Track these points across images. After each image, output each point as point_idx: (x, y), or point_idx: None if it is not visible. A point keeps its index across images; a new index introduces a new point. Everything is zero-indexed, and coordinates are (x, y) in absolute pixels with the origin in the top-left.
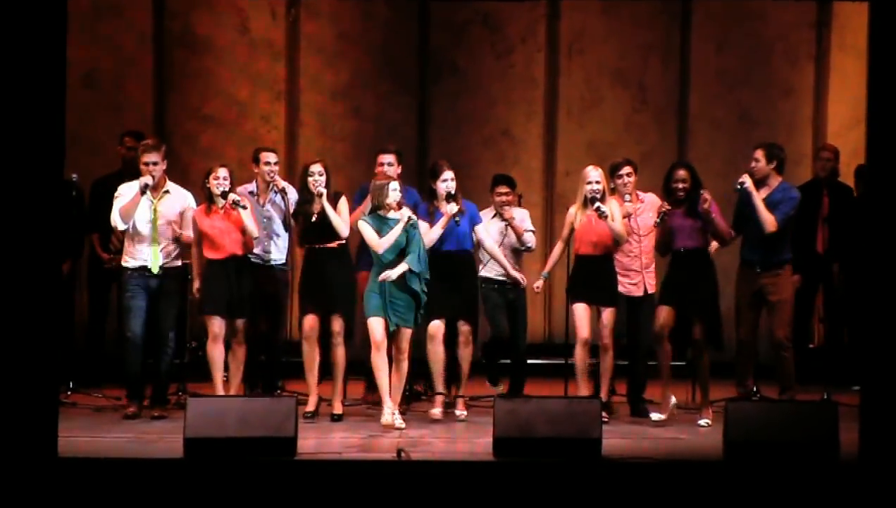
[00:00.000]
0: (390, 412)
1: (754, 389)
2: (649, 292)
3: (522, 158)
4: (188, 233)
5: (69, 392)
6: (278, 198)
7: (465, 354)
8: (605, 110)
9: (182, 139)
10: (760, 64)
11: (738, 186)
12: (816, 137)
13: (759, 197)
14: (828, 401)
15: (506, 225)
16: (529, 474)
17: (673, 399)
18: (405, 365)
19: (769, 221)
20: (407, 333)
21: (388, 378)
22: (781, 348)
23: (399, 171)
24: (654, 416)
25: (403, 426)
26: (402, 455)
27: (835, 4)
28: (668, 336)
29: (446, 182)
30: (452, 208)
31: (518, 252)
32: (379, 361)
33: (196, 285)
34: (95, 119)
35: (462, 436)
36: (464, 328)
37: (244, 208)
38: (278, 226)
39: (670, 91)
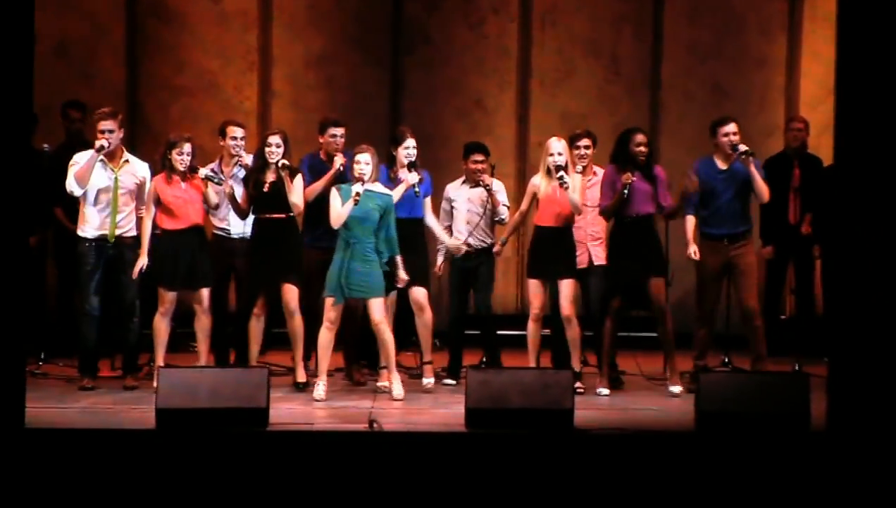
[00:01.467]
0: (324, 388)
1: (725, 360)
2: (595, 263)
3: (495, 129)
4: (144, 205)
5: (40, 363)
6: (242, 173)
7: (424, 320)
8: (578, 81)
9: (154, 109)
10: (733, 35)
11: (745, 153)
12: (789, 108)
13: (754, 168)
14: (799, 372)
15: (486, 189)
16: (502, 445)
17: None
18: (386, 336)
19: (766, 191)
20: (375, 303)
21: (328, 356)
22: (754, 317)
23: (342, 142)
24: (601, 391)
25: (402, 395)
26: (374, 425)
27: None
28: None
29: (408, 150)
30: (413, 176)
31: (491, 222)
32: (325, 338)
33: (143, 259)
34: (67, 89)
35: (434, 407)
36: (416, 295)
37: (219, 183)
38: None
39: (643, 62)
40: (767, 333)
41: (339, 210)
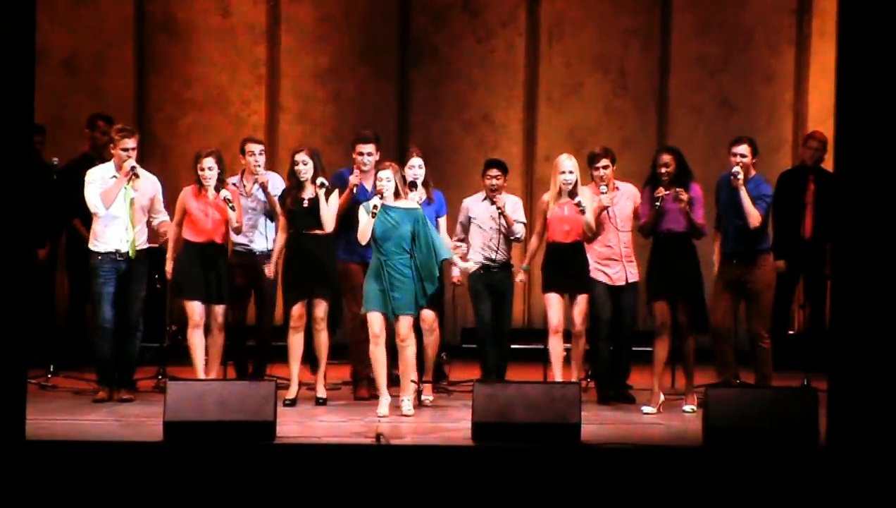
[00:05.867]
0: (387, 404)
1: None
2: (630, 280)
3: (502, 144)
4: (163, 218)
5: (49, 376)
6: (260, 191)
7: (430, 341)
8: (585, 96)
9: (163, 123)
10: (741, 50)
11: (735, 176)
12: (797, 123)
13: (745, 191)
14: (808, 387)
15: (498, 212)
16: (508, 459)
17: (661, 396)
18: (409, 352)
19: (755, 215)
20: (406, 320)
21: (385, 371)
22: (760, 339)
23: (377, 158)
24: (646, 409)
25: (412, 412)
26: (381, 439)
27: None
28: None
29: (413, 169)
30: (413, 196)
31: (509, 238)
32: (377, 354)
33: (170, 265)
34: (77, 103)
35: (441, 421)
36: (426, 315)
37: (233, 208)
38: (263, 216)
39: (650, 76)
40: (775, 348)
41: (362, 226)
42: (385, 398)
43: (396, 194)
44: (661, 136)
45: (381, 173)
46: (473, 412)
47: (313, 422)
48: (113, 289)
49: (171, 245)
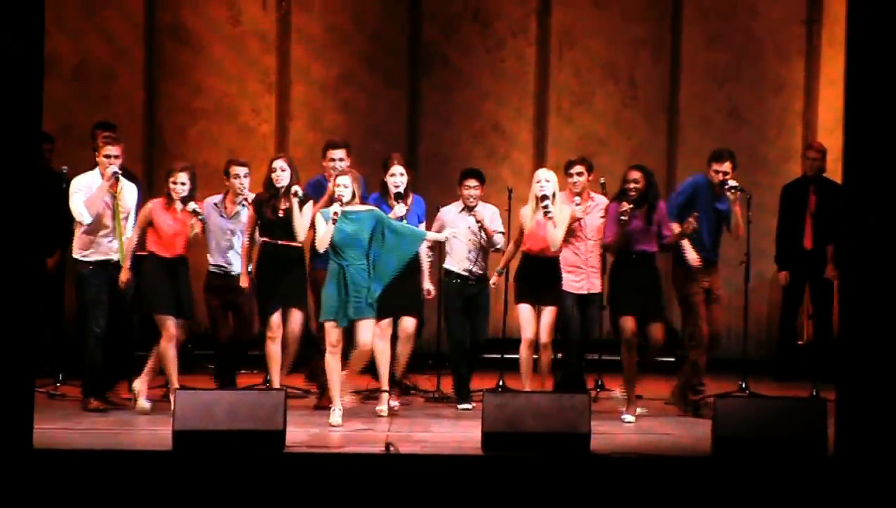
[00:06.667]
0: (339, 414)
1: (742, 384)
2: (592, 291)
3: (512, 153)
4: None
5: (58, 385)
6: (244, 213)
7: (405, 350)
8: (596, 105)
9: (173, 130)
10: (751, 60)
11: (735, 190)
12: (807, 133)
13: (738, 205)
14: (816, 397)
15: (479, 226)
16: (518, 468)
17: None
18: (378, 351)
19: (742, 228)
20: (363, 324)
21: (339, 380)
22: (719, 345)
23: (348, 163)
24: (627, 418)
25: (385, 413)
26: (391, 448)
27: (825, 0)
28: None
29: (394, 177)
30: (400, 210)
31: (487, 251)
32: (332, 363)
33: (125, 275)
34: (86, 111)
35: (451, 430)
36: (406, 323)
37: (202, 220)
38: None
39: (661, 86)
40: (784, 357)
41: (321, 234)
42: (338, 409)
43: (353, 199)
44: (671, 146)
45: (339, 179)
46: (483, 421)
47: (323, 431)
48: (106, 298)
49: (127, 253)
